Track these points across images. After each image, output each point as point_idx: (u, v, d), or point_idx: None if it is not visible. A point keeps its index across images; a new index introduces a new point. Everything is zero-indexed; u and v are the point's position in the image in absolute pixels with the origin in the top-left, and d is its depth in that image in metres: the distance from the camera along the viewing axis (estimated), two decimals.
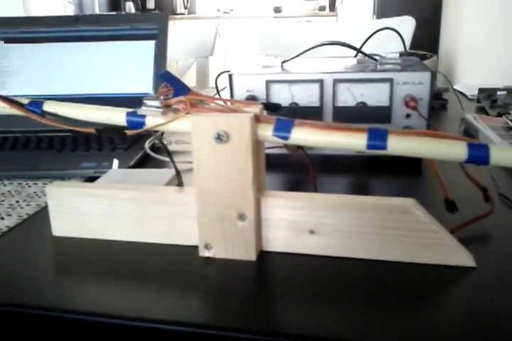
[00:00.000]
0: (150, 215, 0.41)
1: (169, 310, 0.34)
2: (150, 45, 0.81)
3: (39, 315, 0.35)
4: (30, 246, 0.43)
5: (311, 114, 0.59)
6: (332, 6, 4.47)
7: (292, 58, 0.65)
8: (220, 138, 0.36)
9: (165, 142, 0.71)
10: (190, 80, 1.18)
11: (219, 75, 1.00)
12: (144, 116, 0.40)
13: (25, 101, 0.42)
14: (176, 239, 0.41)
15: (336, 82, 0.57)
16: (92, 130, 0.40)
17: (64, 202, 0.43)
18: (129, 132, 0.39)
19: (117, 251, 0.42)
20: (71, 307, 0.34)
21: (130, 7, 4.80)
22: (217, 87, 0.99)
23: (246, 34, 4.46)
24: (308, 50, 0.65)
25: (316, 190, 0.47)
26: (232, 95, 0.61)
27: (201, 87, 1.24)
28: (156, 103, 0.38)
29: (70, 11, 3.38)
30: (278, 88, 0.59)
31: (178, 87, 0.38)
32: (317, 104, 0.58)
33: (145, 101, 0.39)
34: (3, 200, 0.53)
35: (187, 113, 0.38)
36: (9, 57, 0.82)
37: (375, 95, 0.57)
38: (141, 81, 0.79)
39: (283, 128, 0.36)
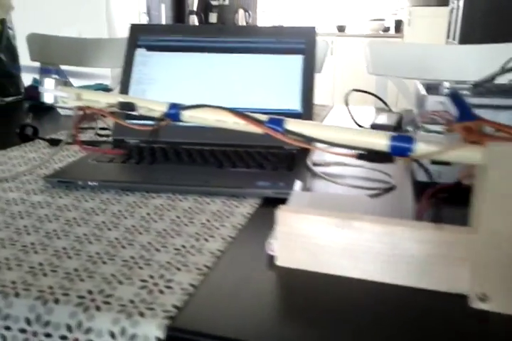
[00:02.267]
0: (399, 253, 0.37)
1: None
2: (297, 60, 0.77)
3: None
4: (249, 275, 0.39)
5: None
6: (398, 28, 4.41)
7: (485, 81, 0.60)
8: None
9: (312, 162, 0.67)
10: None
11: (349, 93, 0.96)
12: (410, 141, 0.35)
13: (264, 118, 0.39)
14: (432, 283, 0.36)
15: None
16: (354, 154, 0.36)
17: (296, 230, 0.39)
18: (396, 159, 0.34)
19: (355, 291, 0.37)
20: None
21: (194, 20, 4.87)
22: (347, 105, 0.95)
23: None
24: (501, 74, 0.60)
25: None
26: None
27: None
28: (437, 127, 0.34)
29: (144, 21, 3.45)
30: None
31: (465, 111, 0.33)
32: None
33: (422, 125, 0.34)
34: (192, 218, 0.49)
35: (473, 141, 0.33)
36: (150, 65, 0.80)
37: None
38: (287, 97, 0.76)
39: None
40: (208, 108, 0.41)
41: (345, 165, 0.66)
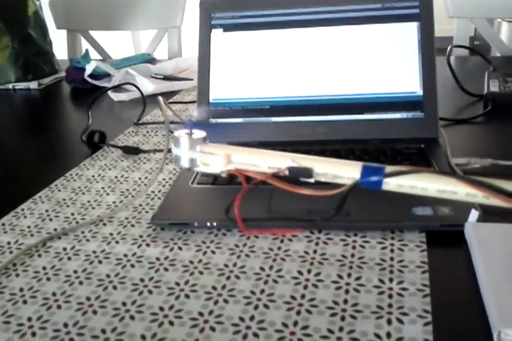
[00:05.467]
0: None
1: None
2: (411, 28, 0.63)
3: None
4: None
5: None
6: None
7: None
8: None
9: (454, 162, 0.55)
10: None
11: (451, 51, 0.81)
12: None
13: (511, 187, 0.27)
14: None
15: None
16: None
17: None
18: None
19: None
20: None
21: None
22: (451, 67, 0.81)
23: None
24: None
25: None
26: None
27: None
28: None
29: None
30: None
31: None
32: None
33: None
34: (358, 277, 0.39)
35: None
36: (230, 49, 0.66)
37: None
38: (402, 76, 0.62)
39: None
40: (425, 173, 0.29)
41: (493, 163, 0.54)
